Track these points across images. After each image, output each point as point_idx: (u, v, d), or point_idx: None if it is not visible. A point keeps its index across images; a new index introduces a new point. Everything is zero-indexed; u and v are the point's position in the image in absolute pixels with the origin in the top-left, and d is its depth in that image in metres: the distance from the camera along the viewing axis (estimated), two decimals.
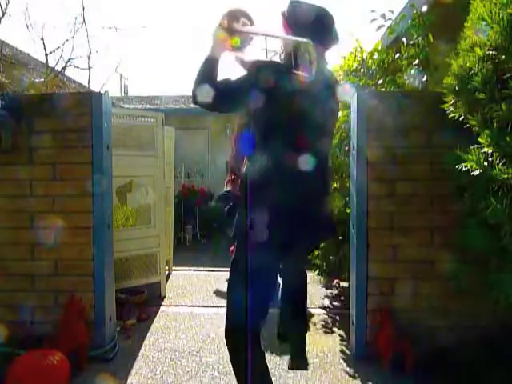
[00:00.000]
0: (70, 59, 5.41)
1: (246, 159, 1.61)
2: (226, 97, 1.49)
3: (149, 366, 2.53)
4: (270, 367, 2.51)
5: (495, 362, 2.18)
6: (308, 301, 3.81)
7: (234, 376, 2.39)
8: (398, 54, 3.14)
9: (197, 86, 1.49)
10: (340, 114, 3.13)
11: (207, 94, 1.46)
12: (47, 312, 2.63)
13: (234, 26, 1.53)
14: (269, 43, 1.57)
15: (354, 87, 3.14)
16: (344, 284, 3.89)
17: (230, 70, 1.63)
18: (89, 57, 5.58)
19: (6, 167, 2.66)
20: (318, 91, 1.49)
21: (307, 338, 2.81)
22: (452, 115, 2.00)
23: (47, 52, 5.28)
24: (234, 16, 1.56)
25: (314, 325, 3.23)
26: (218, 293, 4.04)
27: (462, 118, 1.93)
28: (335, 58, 3.56)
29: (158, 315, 3.41)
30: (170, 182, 4.76)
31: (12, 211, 2.66)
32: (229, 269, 1.64)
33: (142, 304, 3.44)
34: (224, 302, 2.91)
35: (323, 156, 1.59)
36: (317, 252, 3.88)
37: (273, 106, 1.45)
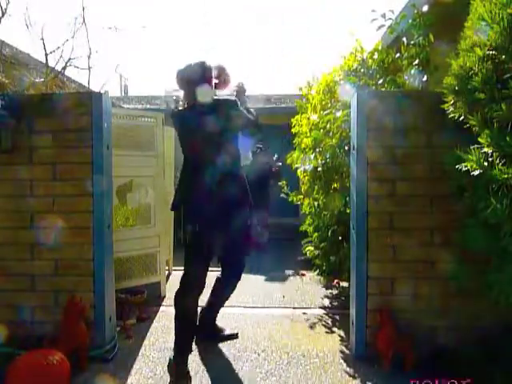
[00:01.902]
0: (69, 59, 5.40)
1: None
2: None
3: (149, 366, 2.53)
4: (270, 367, 2.51)
5: (495, 361, 2.18)
6: (308, 301, 3.82)
7: (233, 376, 2.40)
8: (398, 54, 3.13)
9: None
10: (339, 113, 3.14)
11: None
12: (47, 312, 2.63)
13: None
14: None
15: (354, 87, 3.14)
16: (344, 284, 3.89)
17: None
18: (89, 57, 5.57)
19: (6, 167, 2.66)
20: (200, 117, 2.39)
21: (306, 338, 2.83)
22: (452, 115, 2.00)
23: (47, 52, 5.26)
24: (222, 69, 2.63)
25: (314, 325, 3.23)
26: None
27: (462, 117, 1.93)
28: (335, 58, 3.57)
29: (157, 315, 3.41)
30: (170, 182, 4.76)
31: (12, 211, 2.66)
32: None
33: (141, 304, 3.44)
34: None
35: (211, 157, 2.39)
36: (317, 252, 3.88)
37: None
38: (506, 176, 1.58)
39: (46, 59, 5.24)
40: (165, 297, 3.89)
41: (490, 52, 1.74)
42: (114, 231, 2.83)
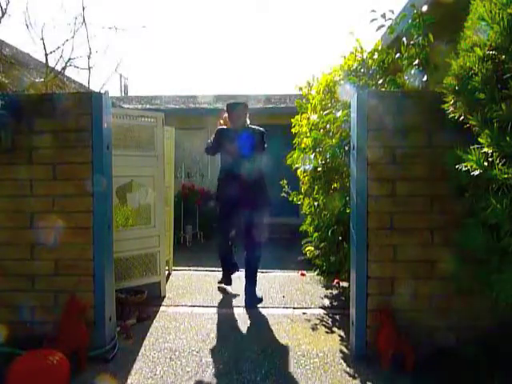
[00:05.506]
0: (69, 59, 5.41)
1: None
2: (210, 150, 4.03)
3: (149, 366, 2.53)
4: (270, 367, 2.51)
5: (495, 361, 2.18)
6: (308, 301, 3.82)
7: (233, 376, 2.40)
8: (398, 54, 3.13)
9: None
10: (339, 113, 3.14)
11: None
12: (47, 312, 2.63)
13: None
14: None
15: (354, 87, 3.14)
16: (344, 284, 3.89)
17: None
18: (89, 57, 5.59)
19: (6, 167, 2.66)
20: (239, 134, 3.70)
21: (306, 338, 2.83)
22: (452, 115, 2.00)
23: (47, 52, 5.27)
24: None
25: (314, 325, 3.23)
26: (218, 293, 4.04)
27: (462, 117, 1.93)
28: (336, 58, 3.57)
29: (157, 315, 3.41)
30: (170, 182, 4.76)
31: (12, 211, 2.66)
32: None
33: (142, 304, 3.44)
34: (224, 302, 2.93)
35: (248, 163, 3.60)
36: (317, 252, 3.89)
37: (223, 144, 3.79)
38: (506, 176, 1.58)
39: (46, 59, 5.25)
40: (165, 297, 3.88)
41: (490, 52, 1.74)
42: (114, 231, 2.83)
